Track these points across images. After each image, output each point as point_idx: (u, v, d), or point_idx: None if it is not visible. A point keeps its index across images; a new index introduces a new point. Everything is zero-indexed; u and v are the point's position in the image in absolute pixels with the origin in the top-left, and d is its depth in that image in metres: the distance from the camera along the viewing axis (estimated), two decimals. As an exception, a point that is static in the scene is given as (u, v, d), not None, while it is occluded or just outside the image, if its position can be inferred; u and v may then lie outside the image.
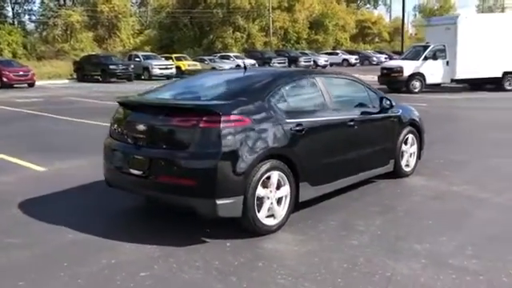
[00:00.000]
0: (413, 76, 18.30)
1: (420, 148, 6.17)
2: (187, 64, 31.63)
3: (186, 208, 4.03)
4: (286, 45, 51.71)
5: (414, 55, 19.16)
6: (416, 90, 18.24)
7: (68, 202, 5.17)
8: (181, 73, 30.60)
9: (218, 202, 3.77)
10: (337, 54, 45.87)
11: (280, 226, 4.18)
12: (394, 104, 5.55)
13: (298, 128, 4.32)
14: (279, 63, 37.41)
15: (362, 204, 4.95)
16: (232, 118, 3.88)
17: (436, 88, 19.00)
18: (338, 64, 42.05)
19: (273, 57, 38.58)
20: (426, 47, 18.79)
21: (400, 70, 18.38)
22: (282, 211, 4.20)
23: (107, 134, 4.74)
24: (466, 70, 18.11)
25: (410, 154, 5.99)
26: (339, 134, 4.87)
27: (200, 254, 3.74)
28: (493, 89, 18.91)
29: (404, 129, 5.84)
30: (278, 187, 4.15)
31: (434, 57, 18.27)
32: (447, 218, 4.54)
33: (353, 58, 43.93)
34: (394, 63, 20.54)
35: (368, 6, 76.45)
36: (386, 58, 41.52)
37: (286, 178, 4.19)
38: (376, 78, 19.56)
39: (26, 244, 3.99)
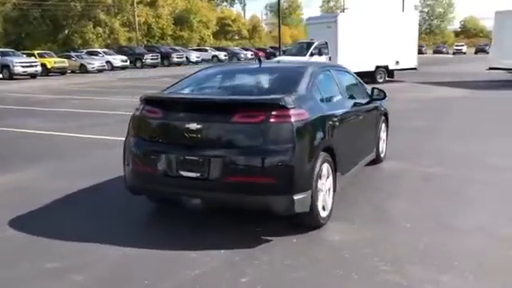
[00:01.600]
0: (301, 71, 19.37)
1: (387, 135, 6.70)
2: (53, 61, 29.05)
3: (258, 207, 3.83)
4: (151, 40, 50.53)
5: (299, 51, 20.28)
6: (306, 85, 19.35)
7: (81, 212, 4.55)
8: (47, 71, 28.05)
9: (295, 197, 3.68)
10: (206, 50, 46.21)
11: (329, 218, 4.24)
12: (387, 95, 5.93)
13: (334, 119, 4.41)
14: (152, 59, 36.42)
15: (369, 189, 5.27)
16: (298, 111, 3.80)
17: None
18: (207, 60, 42.40)
19: (144, 53, 37.40)
20: (310, 44, 20.02)
21: (291, 66, 19.29)
22: (330, 203, 4.26)
23: (129, 136, 4.26)
24: (346, 64, 19.75)
25: (383, 141, 6.48)
26: (353, 123, 5.07)
27: (280, 252, 3.62)
28: (367, 82, 20.93)
29: (381, 117, 6.29)
30: (326, 179, 4.21)
31: (320, 53, 19.60)
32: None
33: (222, 55, 44.65)
34: (286, 59, 21.46)
35: (225, 3, 78.40)
36: (252, 55, 43.15)
37: (330, 170, 4.25)
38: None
39: (78, 266, 3.43)
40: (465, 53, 63.85)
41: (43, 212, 4.60)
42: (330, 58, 19.63)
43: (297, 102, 3.89)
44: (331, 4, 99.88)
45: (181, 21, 53.52)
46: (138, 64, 35.78)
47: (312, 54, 19.45)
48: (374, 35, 20.14)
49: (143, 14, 48.96)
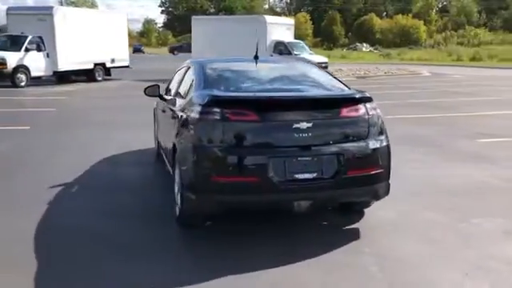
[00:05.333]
0: (17, 68, 17.02)
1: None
2: None
3: (365, 197, 4.06)
4: None
5: (8, 45, 17.67)
6: (22, 84, 17.09)
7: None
8: None
9: (389, 181, 4.06)
10: None
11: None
12: None
13: None
14: None
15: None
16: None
17: (40, 81, 18.37)
18: None
19: None
20: (21, 37, 17.66)
21: (3, 63, 16.66)
22: None
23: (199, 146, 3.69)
24: (67, 61, 18.63)
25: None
26: None
27: (365, 245, 3.86)
28: (87, 79, 20.21)
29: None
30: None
31: (38, 48, 17.62)
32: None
33: None
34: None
35: None
36: None
37: None
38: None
39: None
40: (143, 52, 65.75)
41: None
42: (47, 55, 17.95)
43: None
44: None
45: None
46: None
47: (27, 50, 17.32)
48: (90, 32, 19.55)
49: None
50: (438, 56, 42.34)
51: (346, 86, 4.45)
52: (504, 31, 64.39)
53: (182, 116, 4.24)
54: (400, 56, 44.88)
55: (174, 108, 4.84)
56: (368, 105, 3.98)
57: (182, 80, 5.24)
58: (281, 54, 20.53)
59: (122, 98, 14.63)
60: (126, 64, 22.53)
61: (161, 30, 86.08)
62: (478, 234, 4.09)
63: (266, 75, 4.72)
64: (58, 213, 4.59)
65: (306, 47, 22.92)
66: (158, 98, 6.30)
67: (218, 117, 3.67)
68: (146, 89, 6.02)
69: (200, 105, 3.81)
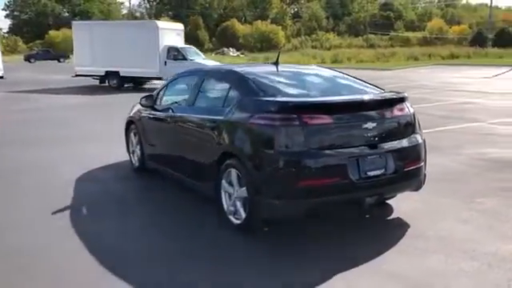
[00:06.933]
0: None
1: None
2: None
3: (411, 188, 4.47)
4: None
5: None
6: None
7: None
8: None
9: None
10: None
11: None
12: None
13: None
14: None
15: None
16: None
17: None
18: None
19: None
20: None
21: None
22: None
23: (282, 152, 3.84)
24: None
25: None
26: None
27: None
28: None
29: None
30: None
31: None
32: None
33: None
34: None
35: None
36: None
37: None
38: None
39: None
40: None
41: None
42: None
43: None
44: None
45: None
46: None
47: None
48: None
49: None
50: (304, 59, 45.41)
51: (376, 86, 4.91)
52: (349, 35, 71.74)
53: (235, 125, 4.31)
54: (271, 60, 47.13)
55: (203, 117, 4.85)
56: (407, 103, 4.52)
57: (199, 91, 5.19)
58: (175, 59, 20.31)
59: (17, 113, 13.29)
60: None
61: (6, 35, 77.89)
62: (489, 209, 4.89)
63: (303, 80, 4.96)
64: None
65: (199, 52, 22.98)
66: (136, 112, 6.28)
67: (297, 122, 3.86)
68: (142, 99, 6.01)
69: (275, 112, 3.94)
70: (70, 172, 6.39)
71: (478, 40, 52.05)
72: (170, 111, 5.51)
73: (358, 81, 5.01)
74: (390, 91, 4.76)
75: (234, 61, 49.50)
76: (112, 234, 4.38)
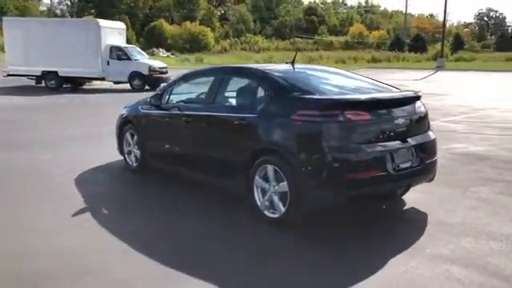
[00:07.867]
0: None
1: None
2: None
3: (428, 180, 4.87)
4: None
5: None
6: None
7: None
8: None
9: None
10: None
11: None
12: None
13: None
14: None
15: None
16: None
17: None
18: None
19: None
20: None
21: None
22: None
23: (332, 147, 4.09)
24: None
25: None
26: None
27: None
28: None
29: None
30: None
31: None
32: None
33: None
34: None
35: None
36: None
37: None
38: None
39: None
40: None
41: None
42: None
43: None
44: None
45: None
46: None
47: None
48: None
49: None
50: (240, 60, 45.96)
51: (388, 85, 5.28)
52: (276, 39, 73.31)
53: (274, 122, 4.46)
54: (207, 61, 47.08)
55: (228, 115, 4.96)
56: (423, 101, 4.94)
57: (218, 89, 5.23)
58: (119, 59, 19.75)
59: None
60: None
61: None
62: (487, 198, 5.44)
63: (328, 78, 5.23)
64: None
65: (142, 52, 22.47)
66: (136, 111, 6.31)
67: (342, 118, 4.11)
68: (151, 97, 6.01)
69: (321, 109, 4.18)
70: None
71: (397, 45, 55.54)
72: (184, 110, 5.50)
73: (374, 81, 5.34)
74: (407, 90, 5.13)
75: (166, 61, 48.69)
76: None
